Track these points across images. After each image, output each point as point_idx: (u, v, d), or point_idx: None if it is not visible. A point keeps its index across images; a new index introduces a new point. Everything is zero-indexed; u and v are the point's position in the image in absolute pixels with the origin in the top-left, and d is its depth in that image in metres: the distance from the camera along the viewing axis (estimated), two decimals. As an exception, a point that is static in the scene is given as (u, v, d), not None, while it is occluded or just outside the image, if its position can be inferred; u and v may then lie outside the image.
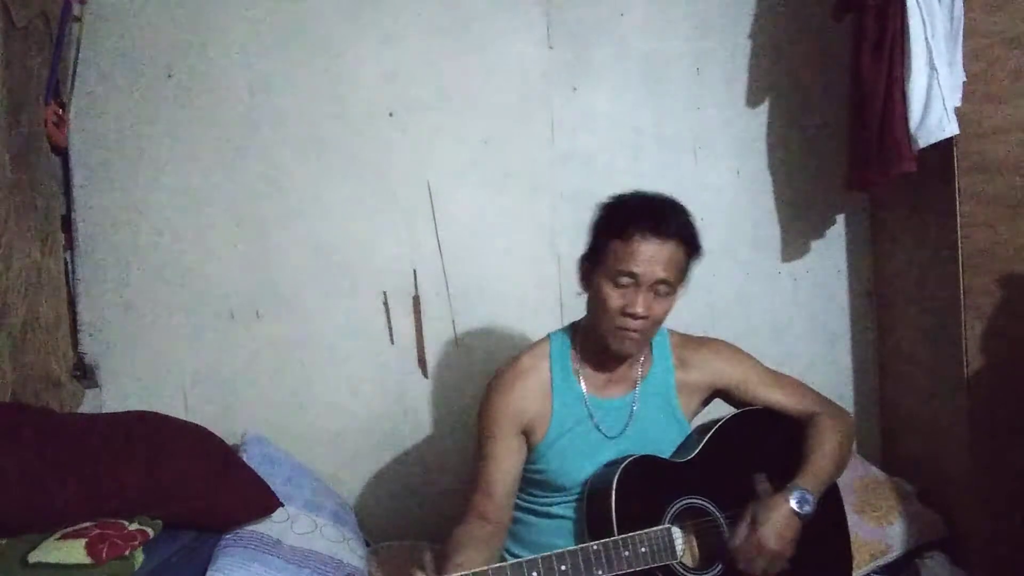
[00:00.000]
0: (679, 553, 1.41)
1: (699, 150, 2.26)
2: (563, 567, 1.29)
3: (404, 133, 2.19)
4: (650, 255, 1.45)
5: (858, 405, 2.30)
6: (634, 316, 1.46)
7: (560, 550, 1.31)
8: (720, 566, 1.45)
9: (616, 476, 1.42)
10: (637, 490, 1.43)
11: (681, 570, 1.41)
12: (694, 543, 1.49)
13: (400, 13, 2.18)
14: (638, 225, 1.46)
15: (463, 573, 1.24)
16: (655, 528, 1.39)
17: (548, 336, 1.65)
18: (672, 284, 1.48)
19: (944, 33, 1.77)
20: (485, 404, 1.57)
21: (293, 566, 1.54)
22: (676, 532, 1.41)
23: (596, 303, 1.52)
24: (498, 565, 1.26)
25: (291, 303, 2.18)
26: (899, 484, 1.99)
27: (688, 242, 1.50)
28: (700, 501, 1.49)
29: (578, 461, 1.53)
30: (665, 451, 1.56)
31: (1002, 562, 1.78)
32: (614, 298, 1.48)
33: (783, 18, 2.25)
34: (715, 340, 1.69)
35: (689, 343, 1.66)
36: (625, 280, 1.46)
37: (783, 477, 1.51)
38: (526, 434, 1.55)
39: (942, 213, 1.84)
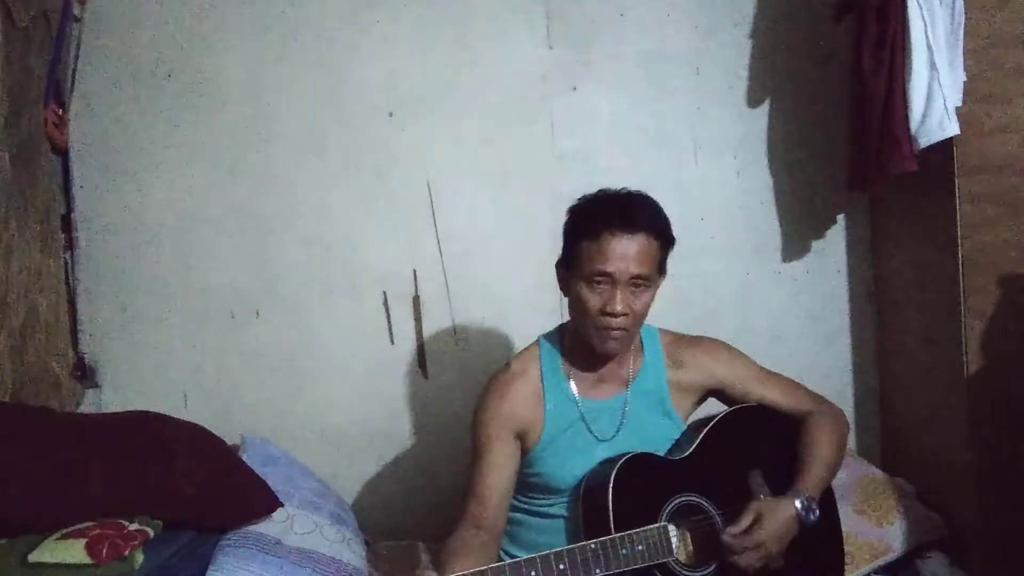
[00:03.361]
0: (675, 550, 1.42)
1: (699, 150, 2.26)
2: (561, 566, 1.29)
3: (404, 133, 2.19)
4: (621, 251, 1.45)
5: (858, 405, 2.30)
6: (614, 315, 1.46)
7: (559, 549, 1.31)
8: (715, 563, 1.46)
9: (613, 474, 1.42)
10: (634, 488, 1.43)
11: (676, 567, 1.42)
12: (689, 540, 1.49)
13: (400, 13, 2.19)
14: (606, 223, 1.46)
15: (462, 573, 1.24)
16: (652, 526, 1.39)
17: (537, 340, 1.65)
18: (648, 278, 1.47)
19: (945, 33, 1.76)
20: (478, 412, 1.57)
21: (293, 566, 1.54)
22: (672, 530, 1.42)
23: (576, 307, 1.52)
24: (496, 565, 1.26)
25: (291, 303, 2.18)
26: (899, 484, 1.98)
27: (659, 233, 1.49)
28: (696, 499, 1.49)
29: (573, 463, 1.52)
30: (659, 449, 1.57)
31: (1002, 562, 1.78)
32: (593, 299, 1.48)
33: (783, 18, 2.25)
34: (709, 339, 1.68)
35: (682, 342, 1.65)
36: (601, 280, 1.46)
37: (778, 474, 1.52)
38: (520, 439, 1.55)
39: (942, 213, 1.84)
